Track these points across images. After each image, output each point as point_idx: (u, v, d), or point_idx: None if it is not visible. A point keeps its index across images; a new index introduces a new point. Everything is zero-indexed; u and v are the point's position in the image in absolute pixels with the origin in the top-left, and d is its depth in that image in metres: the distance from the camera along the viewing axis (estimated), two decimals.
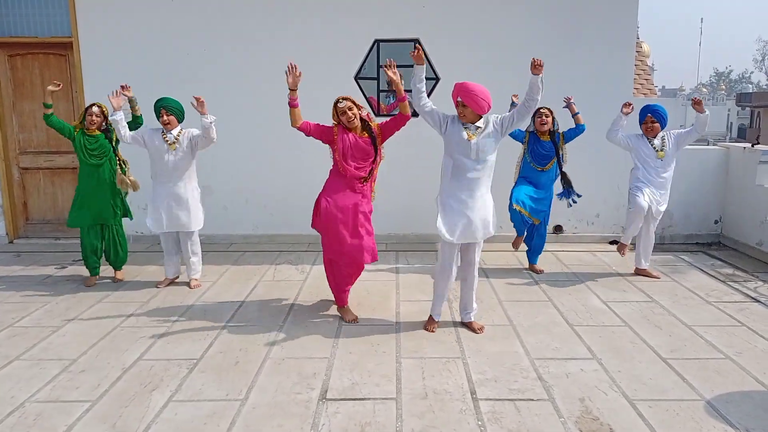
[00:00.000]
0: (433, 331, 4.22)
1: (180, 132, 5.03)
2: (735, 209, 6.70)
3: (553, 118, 5.41)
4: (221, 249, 6.55)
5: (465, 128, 3.97)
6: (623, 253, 5.57)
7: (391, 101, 6.89)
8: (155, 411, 3.14)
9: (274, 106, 6.66)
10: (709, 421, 3.03)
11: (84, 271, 5.50)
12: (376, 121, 4.31)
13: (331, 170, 4.29)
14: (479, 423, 3.02)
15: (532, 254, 5.79)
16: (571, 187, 5.47)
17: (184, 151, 5.01)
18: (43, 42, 6.70)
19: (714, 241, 6.90)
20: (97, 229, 5.26)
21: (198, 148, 5.08)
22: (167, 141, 4.96)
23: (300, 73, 4.08)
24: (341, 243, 4.19)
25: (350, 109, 4.08)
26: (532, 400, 3.25)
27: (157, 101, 4.96)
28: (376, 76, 6.64)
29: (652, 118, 5.24)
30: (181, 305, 4.78)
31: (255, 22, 6.57)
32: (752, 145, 6.63)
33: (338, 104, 4.11)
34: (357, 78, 6.61)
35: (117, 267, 5.47)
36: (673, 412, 3.12)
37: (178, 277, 5.40)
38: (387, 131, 4.21)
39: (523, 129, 5.51)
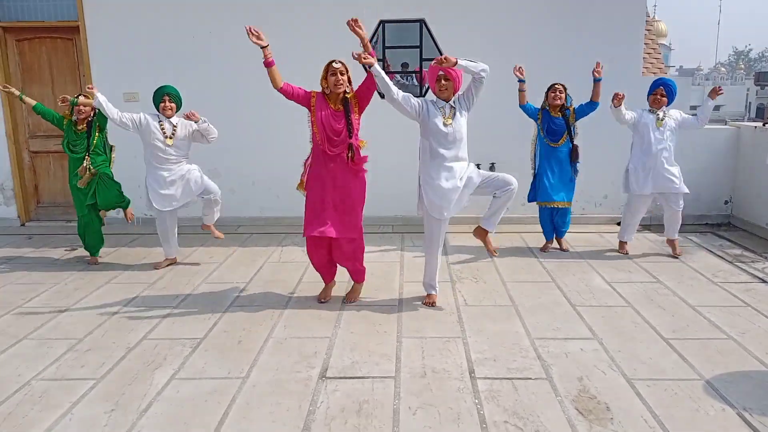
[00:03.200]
0: (434, 304, 4.32)
1: (177, 123, 5.07)
2: (745, 189, 6.61)
3: (567, 95, 5.45)
4: (229, 231, 6.57)
5: (440, 109, 4.03)
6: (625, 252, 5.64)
7: (406, 84, 6.83)
8: (157, 389, 3.20)
9: None
10: (707, 401, 3.02)
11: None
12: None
13: (312, 149, 4.20)
14: (476, 401, 3.04)
15: (559, 231, 5.79)
16: (578, 160, 5.55)
17: (180, 144, 5.08)
18: (50, 26, 6.74)
19: (724, 222, 6.82)
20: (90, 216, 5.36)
21: (196, 141, 5.19)
22: (165, 134, 5.00)
23: (258, 32, 3.86)
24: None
25: (342, 73, 3.96)
26: (530, 378, 3.26)
27: (160, 88, 5.02)
28: (381, 57, 6.60)
29: (662, 91, 5.27)
30: (187, 285, 4.84)
31: (262, 5, 6.54)
32: (763, 124, 6.52)
33: (333, 64, 3.98)
34: None
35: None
36: (672, 391, 3.11)
37: (176, 259, 5.46)
38: (362, 96, 4.08)
39: (537, 107, 5.56)
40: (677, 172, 5.35)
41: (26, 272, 5.25)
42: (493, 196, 4.21)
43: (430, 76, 4.06)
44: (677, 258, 5.42)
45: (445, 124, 4.01)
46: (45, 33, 6.79)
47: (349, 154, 4.05)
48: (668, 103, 5.32)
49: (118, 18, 6.59)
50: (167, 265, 5.36)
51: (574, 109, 5.48)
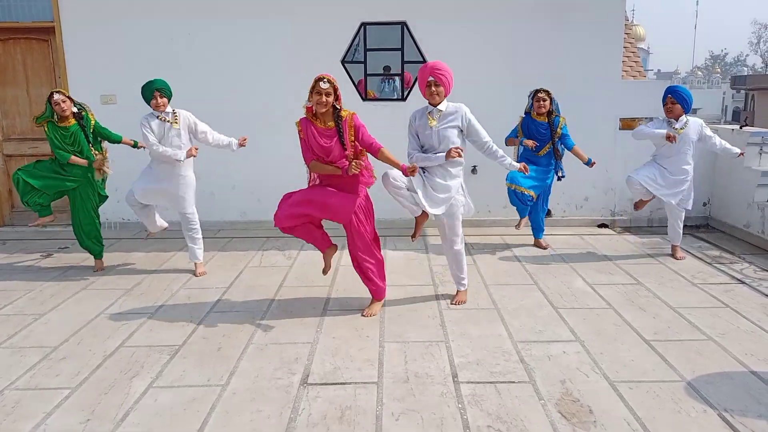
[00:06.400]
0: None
1: (174, 112, 4.96)
2: (723, 191, 6.69)
3: (552, 100, 5.45)
4: (209, 236, 6.49)
5: (427, 114, 4.10)
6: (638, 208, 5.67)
7: (386, 88, 6.78)
8: (135, 397, 3.13)
9: (261, 91, 6.63)
10: (688, 402, 3.03)
11: (69, 259, 5.49)
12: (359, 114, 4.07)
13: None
14: (459, 406, 3.01)
15: (535, 230, 5.90)
16: (560, 159, 5.58)
17: (182, 131, 4.97)
18: (25, 27, 6.60)
19: (702, 224, 6.90)
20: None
21: (199, 140, 5.13)
22: (167, 120, 4.90)
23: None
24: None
25: (328, 95, 3.75)
26: (513, 382, 3.25)
27: (149, 83, 4.82)
28: (363, 59, 6.57)
29: (672, 99, 5.18)
30: (165, 292, 4.75)
31: (240, 7, 6.48)
32: (740, 127, 6.61)
33: (320, 83, 3.73)
34: (344, 62, 6.54)
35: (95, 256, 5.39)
36: (653, 393, 3.12)
37: (166, 228, 5.53)
38: (360, 142, 3.97)
39: (515, 126, 5.67)
40: (687, 185, 5.35)
41: None
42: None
43: (421, 81, 4.08)
44: (657, 260, 5.46)
45: (430, 125, 4.07)
46: (20, 34, 6.65)
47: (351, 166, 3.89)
48: (686, 111, 5.18)
49: (95, 19, 6.48)
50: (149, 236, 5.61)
51: (563, 126, 5.45)
